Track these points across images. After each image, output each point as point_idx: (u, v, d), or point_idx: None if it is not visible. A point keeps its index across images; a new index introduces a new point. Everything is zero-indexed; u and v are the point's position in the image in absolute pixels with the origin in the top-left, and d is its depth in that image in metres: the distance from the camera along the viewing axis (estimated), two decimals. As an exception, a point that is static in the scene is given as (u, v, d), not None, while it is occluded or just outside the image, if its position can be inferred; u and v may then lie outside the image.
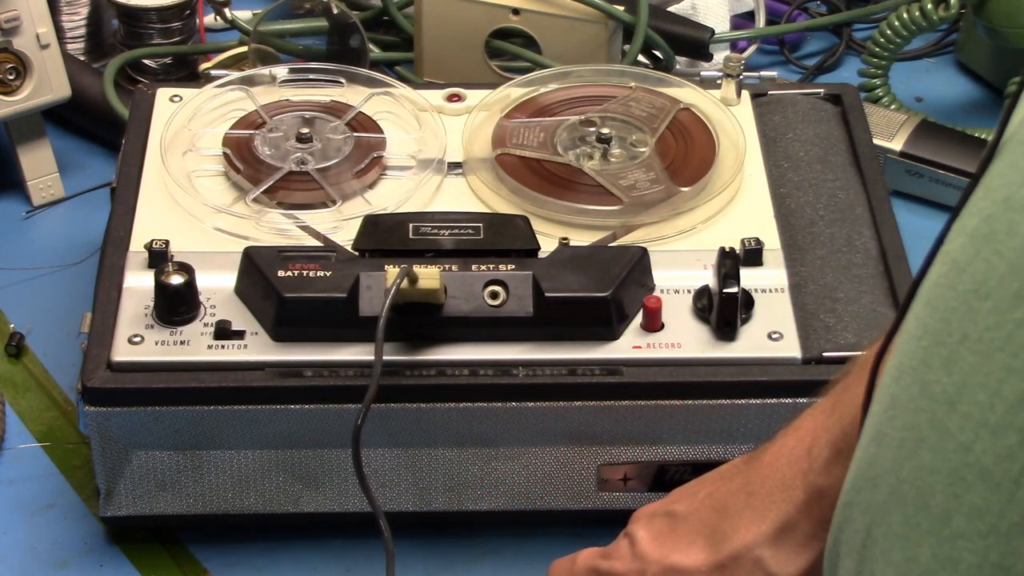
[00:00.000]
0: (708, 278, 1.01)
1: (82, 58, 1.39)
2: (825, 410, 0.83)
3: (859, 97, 1.19)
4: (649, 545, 0.86)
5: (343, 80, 1.17)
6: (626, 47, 1.32)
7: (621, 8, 1.30)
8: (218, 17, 1.40)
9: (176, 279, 0.98)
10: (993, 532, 0.49)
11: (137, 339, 0.98)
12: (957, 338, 0.52)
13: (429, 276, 0.94)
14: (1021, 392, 0.49)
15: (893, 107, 1.37)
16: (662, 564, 0.85)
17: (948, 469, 0.51)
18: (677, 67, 1.34)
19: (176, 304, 0.98)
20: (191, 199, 1.07)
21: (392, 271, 0.93)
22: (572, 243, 1.03)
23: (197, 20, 1.39)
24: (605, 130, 1.12)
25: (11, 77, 1.23)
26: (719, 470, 0.88)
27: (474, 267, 0.98)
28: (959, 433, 0.51)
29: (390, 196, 1.08)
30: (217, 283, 1.00)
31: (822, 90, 1.20)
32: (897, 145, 1.30)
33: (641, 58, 1.33)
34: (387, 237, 1.02)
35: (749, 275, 1.01)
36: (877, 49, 1.37)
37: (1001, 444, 0.49)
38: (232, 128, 1.12)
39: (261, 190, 1.07)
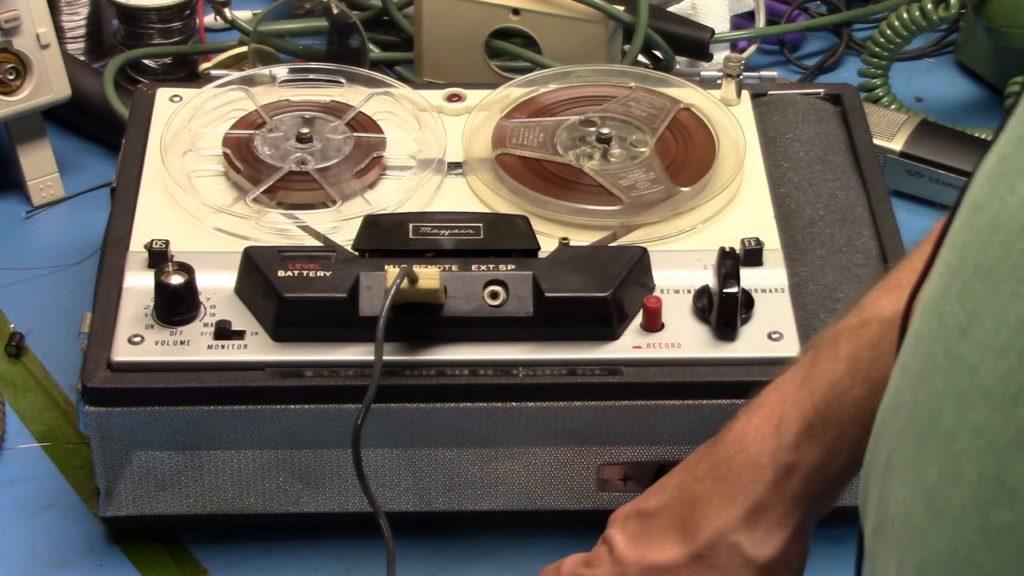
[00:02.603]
0: (708, 278, 1.01)
1: (82, 58, 1.39)
2: (794, 384, 0.82)
3: (859, 97, 1.19)
4: (626, 548, 0.86)
5: (343, 80, 1.17)
6: (626, 47, 1.32)
7: (621, 8, 1.30)
8: (218, 17, 1.40)
9: (176, 279, 0.98)
10: (991, 448, 0.50)
11: (137, 339, 0.98)
12: (971, 271, 0.53)
13: (429, 276, 0.94)
14: (1023, 316, 0.50)
15: (893, 107, 1.37)
16: (641, 565, 0.85)
17: (957, 393, 0.53)
18: (677, 67, 1.34)
19: (176, 304, 0.98)
20: (191, 199, 1.07)
21: (392, 271, 0.93)
22: (572, 243, 1.03)
23: (197, 20, 1.39)
24: (605, 130, 1.12)
25: (11, 77, 1.23)
26: (685, 460, 0.87)
27: (474, 267, 0.98)
28: (968, 358, 0.52)
29: (390, 196, 1.08)
30: (217, 283, 1.00)
31: (822, 90, 1.20)
32: (897, 145, 1.30)
33: (641, 58, 1.33)
34: (387, 237, 1.01)
35: (749, 275, 1.01)
36: (877, 49, 1.37)
37: (1003, 365, 0.50)
38: (232, 128, 1.12)
39: (261, 190, 1.07)
